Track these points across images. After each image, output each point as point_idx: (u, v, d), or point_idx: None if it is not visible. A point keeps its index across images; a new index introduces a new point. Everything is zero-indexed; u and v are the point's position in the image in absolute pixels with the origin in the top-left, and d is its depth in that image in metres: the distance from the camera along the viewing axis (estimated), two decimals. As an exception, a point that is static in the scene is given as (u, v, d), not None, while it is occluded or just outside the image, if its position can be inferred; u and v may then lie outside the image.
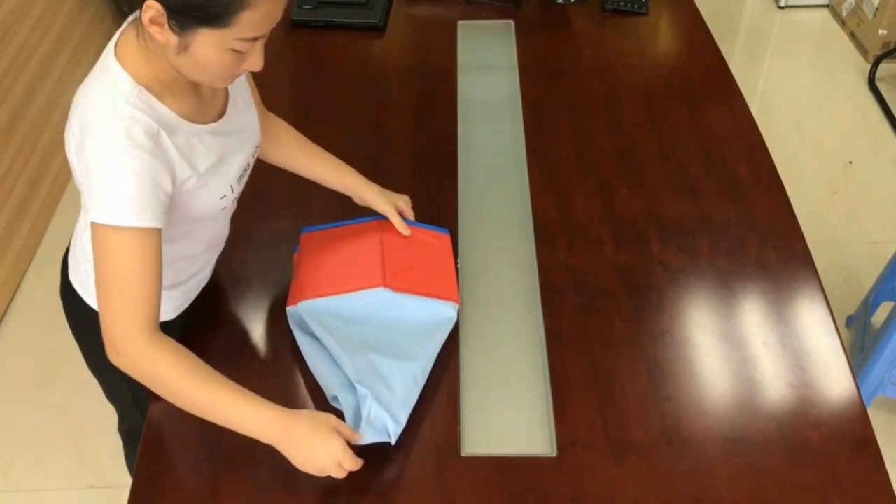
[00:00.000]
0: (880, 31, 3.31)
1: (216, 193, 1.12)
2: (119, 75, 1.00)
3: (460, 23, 2.06)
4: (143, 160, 0.97)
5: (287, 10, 0.98)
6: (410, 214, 1.39)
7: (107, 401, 1.45)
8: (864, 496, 1.07)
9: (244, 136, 1.18)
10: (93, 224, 0.99)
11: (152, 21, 0.93)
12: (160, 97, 1.02)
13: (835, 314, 1.32)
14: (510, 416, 1.18)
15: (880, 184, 2.86)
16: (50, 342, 2.29)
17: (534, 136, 1.69)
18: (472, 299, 1.34)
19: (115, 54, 1.01)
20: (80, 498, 1.98)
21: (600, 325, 1.30)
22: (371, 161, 1.63)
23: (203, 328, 1.31)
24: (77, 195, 1.07)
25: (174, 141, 1.02)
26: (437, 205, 1.51)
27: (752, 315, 1.33)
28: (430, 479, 1.10)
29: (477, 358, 1.26)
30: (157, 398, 1.19)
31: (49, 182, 2.65)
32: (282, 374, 1.24)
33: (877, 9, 3.32)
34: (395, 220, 1.36)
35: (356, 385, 1.13)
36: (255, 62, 1.01)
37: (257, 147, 1.22)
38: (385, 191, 1.39)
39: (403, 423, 1.12)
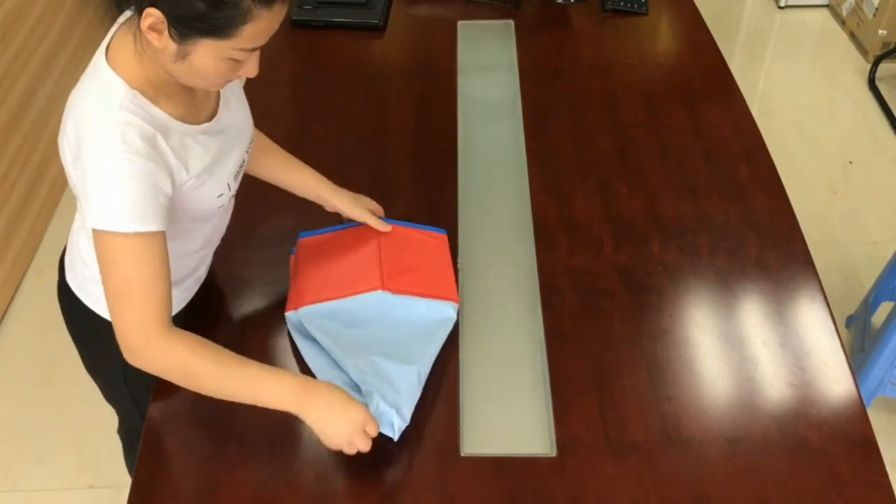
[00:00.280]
0: (880, 31, 3.31)
1: (213, 192, 1.12)
2: (112, 80, 1.00)
3: (460, 23, 2.06)
4: (141, 165, 0.98)
5: (287, 10, 0.98)
6: (380, 213, 1.40)
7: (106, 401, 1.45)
8: (863, 496, 1.07)
9: (237, 133, 1.18)
10: (95, 231, 0.99)
11: (151, 28, 0.93)
12: (153, 100, 1.02)
13: (835, 314, 1.32)
14: (510, 416, 1.18)
15: (880, 184, 2.86)
16: (50, 342, 2.29)
17: (534, 136, 1.69)
18: (472, 299, 1.34)
19: (107, 58, 1.01)
20: (80, 498, 1.98)
21: (600, 326, 1.30)
22: (371, 161, 1.63)
23: (203, 328, 1.30)
24: (76, 196, 1.07)
25: (170, 143, 1.03)
26: (437, 205, 1.51)
27: (752, 315, 1.33)
28: (430, 479, 1.10)
29: (477, 358, 1.26)
30: (157, 398, 1.20)
31: (49, 182, 2.65)
32: (282, 374, 1.24)
33: (877, 9, 3.32)
34: (373, 222, 1.35)
35: (361, 384, 1.13)
36: (252, 69, 1.02)
37: (251, 144, 1.23)
38: (356, 196, 1.38)
39: (408, 419, 1.12)
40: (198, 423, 1.16)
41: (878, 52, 3.35)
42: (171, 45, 0.95)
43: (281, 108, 1.65)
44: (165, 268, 1.02)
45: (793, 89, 3.33)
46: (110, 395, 1.42)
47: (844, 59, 3.46)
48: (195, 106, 1.09)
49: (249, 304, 1.36)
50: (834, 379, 1.21)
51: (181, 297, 1.28)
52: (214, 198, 1.13)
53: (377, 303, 1.24)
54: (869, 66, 3.34)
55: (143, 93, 1.01)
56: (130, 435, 1.54)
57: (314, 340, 1.24)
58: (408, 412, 1.12)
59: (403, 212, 1.44)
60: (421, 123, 1.75)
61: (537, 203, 1.52)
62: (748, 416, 1.17)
